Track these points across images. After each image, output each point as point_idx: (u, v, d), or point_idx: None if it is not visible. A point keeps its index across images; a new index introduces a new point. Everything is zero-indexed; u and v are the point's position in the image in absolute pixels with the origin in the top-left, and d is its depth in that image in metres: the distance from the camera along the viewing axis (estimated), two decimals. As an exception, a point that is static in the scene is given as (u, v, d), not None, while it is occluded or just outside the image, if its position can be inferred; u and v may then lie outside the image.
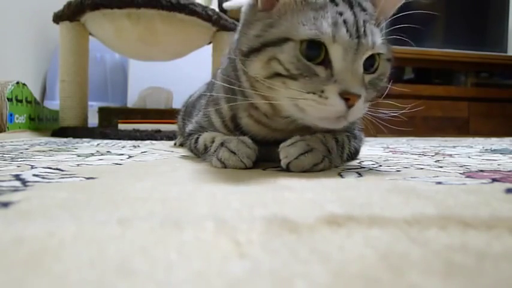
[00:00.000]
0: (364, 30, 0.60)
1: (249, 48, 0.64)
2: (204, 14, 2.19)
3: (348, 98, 0.57)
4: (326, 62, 0.59)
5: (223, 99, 0.79)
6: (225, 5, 3.40)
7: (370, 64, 0.63)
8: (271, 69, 0.61)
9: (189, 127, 0.96)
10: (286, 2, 0.63)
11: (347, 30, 0.58)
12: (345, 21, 0.58)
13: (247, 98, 0.71)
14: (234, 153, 0.68)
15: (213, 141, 0.77)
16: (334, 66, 0.59)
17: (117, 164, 0.80)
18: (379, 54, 0.63)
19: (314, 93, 0.58)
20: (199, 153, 0.84)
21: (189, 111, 1.17)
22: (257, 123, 0.75)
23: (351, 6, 0.61)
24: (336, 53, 0.59)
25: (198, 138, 0.85)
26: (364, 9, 0.63)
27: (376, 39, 0.61)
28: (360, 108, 0.60)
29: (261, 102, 0.69)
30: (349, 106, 0.58)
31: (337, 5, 0.61)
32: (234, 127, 0.78)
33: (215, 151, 0.72)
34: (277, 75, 0.61)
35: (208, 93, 0.89)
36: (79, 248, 0.27)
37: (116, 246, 0.27)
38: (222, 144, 0.71)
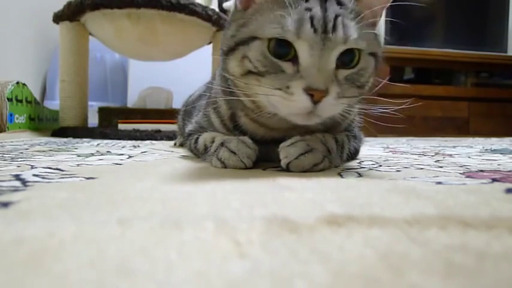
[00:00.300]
0: (334, 25, 0.59)
1: (228, 48, 0.66)
2: (204, 14, 2.19)
3: (312, 93, 0.57)
4: (294, 59, 0.60)
5: (222, 99, 0.79)
6: (225, 5, 3.41)
7: (348, 59, 0.62)
8: (244, 67, 0.63)
9: (189, 127, 0.95)
10: (260, 1, 0.64)
11: (311, 26, 0.58)
12: (311, 17, 0.58)
13: (238, 97, 0.72)
14: (234, 153, 0.68)
15: (213, 141, 0.77)
16: (300, 62, 0.59)
17: (117, 164, 0.80)
18: (358, 49, 0.62)
19: (281, 89, 0.59)
20: (199, 153, 0.84)
21: (189, 111, 1.17)
22: (254, 122, 0.75)
23: (324, 1, 0.61)
24: (302, 50, 0.59)
25: (198, 138, 0.85)
26: (340, 3, 0.62)
27: (350, 33, 0.60)
28: (332, 104, 0.59)
29: (245, 100, 0.70)
30: (315, 102, 0.58)
31: (307, 0, 0.61)
32: (234, 127, 0.79)
33: (215, 151, 0.72)
34: (250, 72, 0.63)
35: (208, 94, 0.89)
36: (79, 248, 0.27)
37: (116, 246, 0.27)
38: (222, 144, 0.72)
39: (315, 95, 0.57)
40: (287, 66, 0.60)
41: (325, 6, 0.61)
